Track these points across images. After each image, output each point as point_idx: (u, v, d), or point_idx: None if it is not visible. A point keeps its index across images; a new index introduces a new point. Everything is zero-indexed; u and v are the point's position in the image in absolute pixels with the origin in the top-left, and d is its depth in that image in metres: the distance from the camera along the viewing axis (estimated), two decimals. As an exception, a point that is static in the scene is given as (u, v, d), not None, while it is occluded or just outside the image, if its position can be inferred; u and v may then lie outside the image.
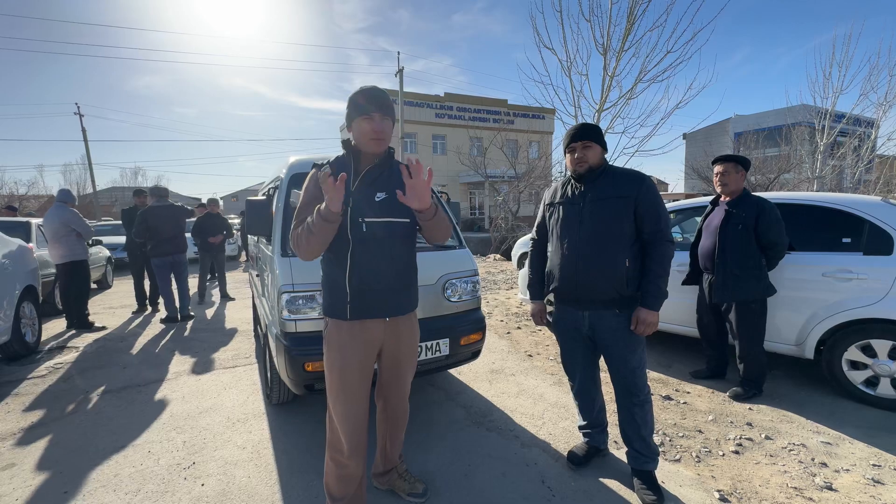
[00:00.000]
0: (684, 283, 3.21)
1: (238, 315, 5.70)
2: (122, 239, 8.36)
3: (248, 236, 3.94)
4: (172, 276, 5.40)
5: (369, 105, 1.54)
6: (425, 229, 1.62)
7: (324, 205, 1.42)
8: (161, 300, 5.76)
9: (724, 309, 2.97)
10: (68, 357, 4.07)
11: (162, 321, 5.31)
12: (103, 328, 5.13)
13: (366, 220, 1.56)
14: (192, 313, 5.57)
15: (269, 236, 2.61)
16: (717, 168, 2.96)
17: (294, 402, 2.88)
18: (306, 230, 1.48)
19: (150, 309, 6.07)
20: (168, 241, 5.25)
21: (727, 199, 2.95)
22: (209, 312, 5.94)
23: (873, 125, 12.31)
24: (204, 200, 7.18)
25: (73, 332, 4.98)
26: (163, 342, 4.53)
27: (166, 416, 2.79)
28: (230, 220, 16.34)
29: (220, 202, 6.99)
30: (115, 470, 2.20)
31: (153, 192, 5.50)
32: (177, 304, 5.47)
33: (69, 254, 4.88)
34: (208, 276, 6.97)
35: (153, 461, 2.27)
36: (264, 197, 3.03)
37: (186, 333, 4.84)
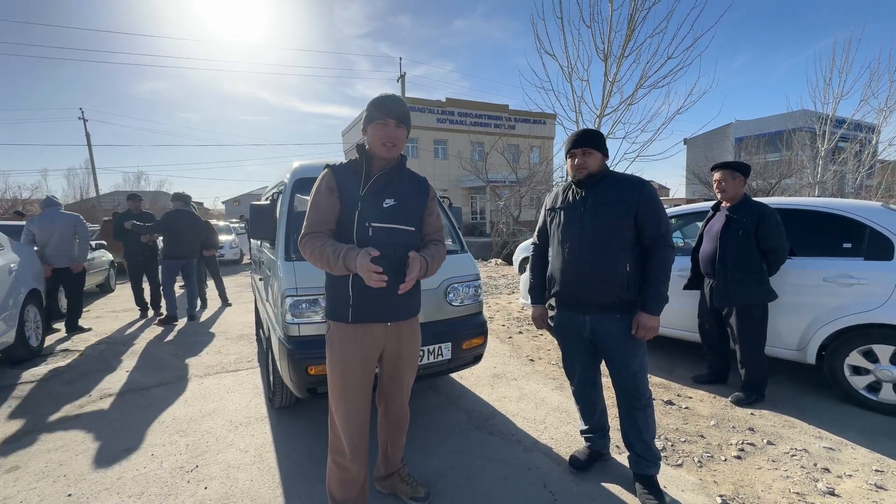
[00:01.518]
0: (686, 287, 3.22)
1: (240, 319, 5.72)
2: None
3: (252, 240, 3.96)
4: (181, 277, 5.61)
5: (386, 112, 1.58)
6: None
7: (349, 260, 1.47)
8: (163, 302, 5.78)
9: (724, 313, 2.98)
10: (71, 360, 4.09)
11: (161, 322, 5.34)
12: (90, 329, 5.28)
13: (372, 224, 1.59)
14: (197, 314, 5.68)
15: (272, 240, 2.63)
16: (716, 175, 2.98)
17: (296, 406, 2.89)
18: (324, 259, 1.52)
19: (152, 313, 6.09)
20: (183, 245, 5.47)
21: (728, 204, 2.97)
22: (211, 316, 5.96)
23: (874, 130, 12.32)
24: (205, 204, 7.26)
25: (75, 334, 5.00)
26: (165, 346, 4.54)
27: (169, 420, 2.80)
28: (232, 224, 16.31)
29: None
30: (119, 473, 2.21)
31: (177, 197, 5.71)
32: (176, 304, 5.56)
33: (72, 257, 4.94)
34: (206, 280, 6.97)
35: (156, 464, 2.28)
36: (268, 201, 3.06)
37: (189, 337, 4.85)
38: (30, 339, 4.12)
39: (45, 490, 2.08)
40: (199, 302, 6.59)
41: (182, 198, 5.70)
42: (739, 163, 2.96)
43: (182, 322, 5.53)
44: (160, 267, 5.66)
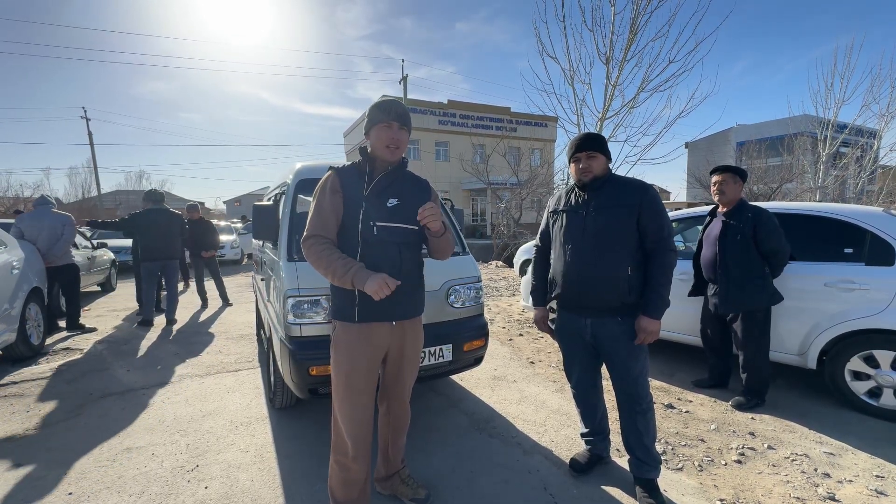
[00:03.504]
0: (691, 294, 3.22)
1: (241, 319, 5.72)
2: (126, 242, 8.43)
3: (253, 241, 3.97)
4: (163, 281, 5.50)
5: (389, 115, 1.62)
6: (432, 245, 1.73)
7: (358, 278, 1.52)
8: (164, 304, 5.75)
9: (729, 319, 2.98)
10: (72, 359, 4.09)
11: (139, 324, 5.31)
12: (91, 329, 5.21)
13: (376, 223, 1.61)
14: (175, 318, 5.49)
15: (275, 241, 2.64)
16: (715, 178, 2.98)
17: (297, 407, 2.89)
18: (330, 269, 1.55)
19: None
20: (160, 246, 5.25)
21: (724, 209, 2.97)
22: (212, 316, 5.97)
23: (875, 136, 12.32)
24: (207, 204, 7.18)
25: (76, 333, 5.01)
26: (166, 345, 4.55)
27: (170, 419, 2.81)
28: (233, 224, 16.31)
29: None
30: (120, 472, 2.21)
31: (148, 196, 5.47)
32: (153, 308, 5.49)
33: (61, 255, 4.92)
34: (203, 280, 6.89)
35: (157, 464, 2.29)
36: (270, 202, 3.06)
37: (189, 337, 4.86)
38: (31, 337, 4.12)
39: (46, 488, 2.08)
40: (201, 302, 6.59)
41: (154, 196, 5.42)
42: (739, 168, 2.97)
43: (178, 323, 5.52)
44: (140, 269, 5.37)
